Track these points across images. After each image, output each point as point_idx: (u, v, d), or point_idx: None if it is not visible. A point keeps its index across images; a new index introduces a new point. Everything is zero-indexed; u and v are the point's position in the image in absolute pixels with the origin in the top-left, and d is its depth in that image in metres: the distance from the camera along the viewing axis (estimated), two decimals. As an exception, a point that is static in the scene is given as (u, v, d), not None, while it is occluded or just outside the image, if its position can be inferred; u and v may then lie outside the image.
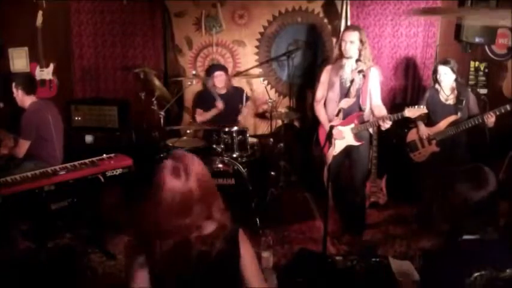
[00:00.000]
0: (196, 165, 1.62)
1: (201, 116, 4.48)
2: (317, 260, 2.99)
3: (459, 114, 3.61)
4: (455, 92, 3.71)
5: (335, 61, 3.46)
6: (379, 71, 3.46)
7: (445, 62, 3.68)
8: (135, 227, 1.68)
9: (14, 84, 3.61)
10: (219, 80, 4.42)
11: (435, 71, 3.78)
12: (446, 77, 3.67)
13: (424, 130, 3.82)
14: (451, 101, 3.72)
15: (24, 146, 3.48)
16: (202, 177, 1.61)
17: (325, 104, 3.54)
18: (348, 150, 3.46)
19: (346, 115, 3.38)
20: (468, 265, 1.57)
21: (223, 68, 4.55)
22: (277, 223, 3.82)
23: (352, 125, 3.41)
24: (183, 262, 1.58)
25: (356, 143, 3.43)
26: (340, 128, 3.37)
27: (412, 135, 3.96)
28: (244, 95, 4.56)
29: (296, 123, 4.99)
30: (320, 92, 3.55)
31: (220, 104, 4.39)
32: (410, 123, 3.99)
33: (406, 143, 3.99)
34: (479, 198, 1.62)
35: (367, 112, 3.42)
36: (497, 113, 3.40)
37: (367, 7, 4.70)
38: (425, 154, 3.87)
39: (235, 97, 4.51)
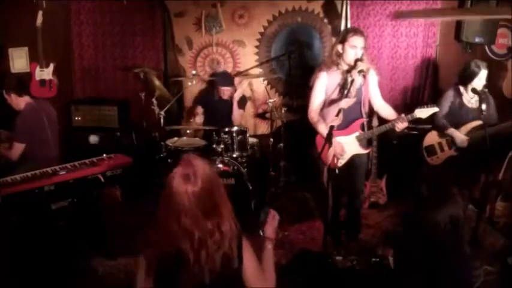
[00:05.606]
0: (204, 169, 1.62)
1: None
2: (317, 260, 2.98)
3: (483, 117, 3.39)
4: (476, 95, 3.56)
5: (331, 65, 3.21)
6: (375, 71, 3.31)
7: (484, 66, 3.53)
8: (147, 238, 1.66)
9: (4, 92, 3.54)
10: (226, 94, 4.45)
11: (473, 74, 3.55)
12: (481, 82, 3.56)
13: (463, 139, 3.59)
14: (474, 104, 3.62)
15: (19, 149, 3.45)
16: (210, 179, 1.62)
17: (322, 109, 3.28)
18: (351, 158, 3.29)
19: (348, 123, 3.18)
20: None
21: (232, 83, 4.50)
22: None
23: (357, 133, 3.23)
24: (189, 270, 1.57)
25: (363, 151, 3.29)
26: (343, 138, 3.19)
27: (430, 139, 3.81)
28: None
29: (296, 123, 4.98)
30: (317, 99, 3.24)
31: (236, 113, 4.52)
32: (420, 124, 3.87)
33: (424, 147, 3.83)
34: None
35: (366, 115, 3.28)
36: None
37: (367, 7, 4.71)
38: (443, 158, 3.76)
39: (229, 100, 4.52)
